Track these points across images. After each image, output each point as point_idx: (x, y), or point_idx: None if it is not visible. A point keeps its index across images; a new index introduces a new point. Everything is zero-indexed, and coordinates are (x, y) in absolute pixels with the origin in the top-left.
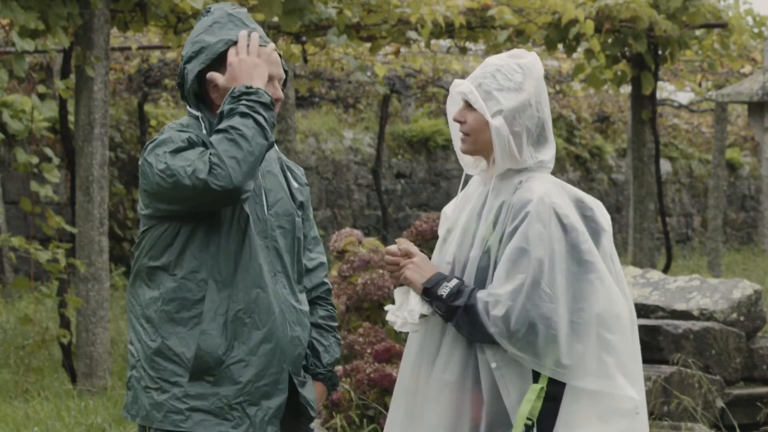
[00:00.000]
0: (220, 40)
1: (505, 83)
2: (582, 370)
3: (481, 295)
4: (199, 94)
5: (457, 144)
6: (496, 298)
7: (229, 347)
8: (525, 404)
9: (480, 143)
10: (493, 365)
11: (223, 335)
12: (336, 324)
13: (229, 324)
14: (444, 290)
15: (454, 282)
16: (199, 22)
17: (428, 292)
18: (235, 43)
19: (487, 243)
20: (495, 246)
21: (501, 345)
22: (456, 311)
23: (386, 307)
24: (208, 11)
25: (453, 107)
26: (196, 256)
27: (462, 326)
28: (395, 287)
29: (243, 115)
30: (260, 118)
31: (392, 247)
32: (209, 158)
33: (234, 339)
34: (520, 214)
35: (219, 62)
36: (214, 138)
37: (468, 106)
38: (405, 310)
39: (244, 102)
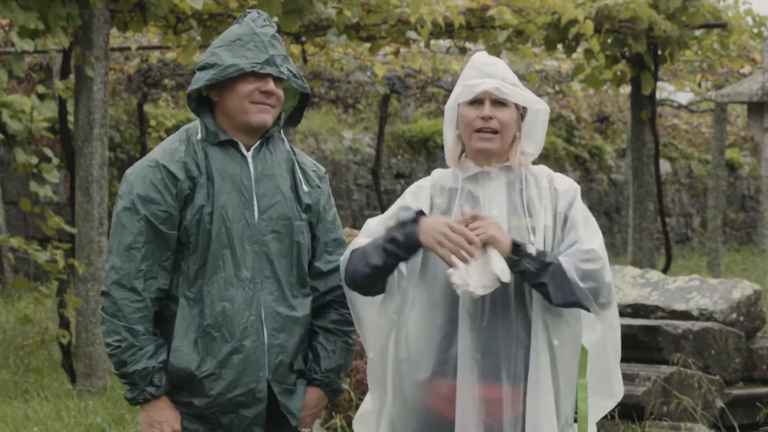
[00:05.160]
0: (232, 65)
1: (513, 76)
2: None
3: (568, 254)
4: (201, 98)
5: (452, 148)
6: (591, 254)
7: (202, 362)
8: (581, 403)
9: (507, 139)
10: (556, 342)
11: (195, 351)
12: (350, 329)
13: (199, 340)
14: (531, 248)
15: (532, 242)
16: (229, 29)
17: (518, 250)
18: (246, 72)
19: (536, 229)
20: (549, 225)
21: (584, 301)
22: (548, 267)
23: (449, 271)
24: (246, 15)
25: (472, 112)
26: (163, 276)
27: (552, 284)
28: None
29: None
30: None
31: (452, 220)
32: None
33: (206, 354)
34: (567, 195)
35: (230, 85)
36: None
37: (495, 103)
38: (486, 273)
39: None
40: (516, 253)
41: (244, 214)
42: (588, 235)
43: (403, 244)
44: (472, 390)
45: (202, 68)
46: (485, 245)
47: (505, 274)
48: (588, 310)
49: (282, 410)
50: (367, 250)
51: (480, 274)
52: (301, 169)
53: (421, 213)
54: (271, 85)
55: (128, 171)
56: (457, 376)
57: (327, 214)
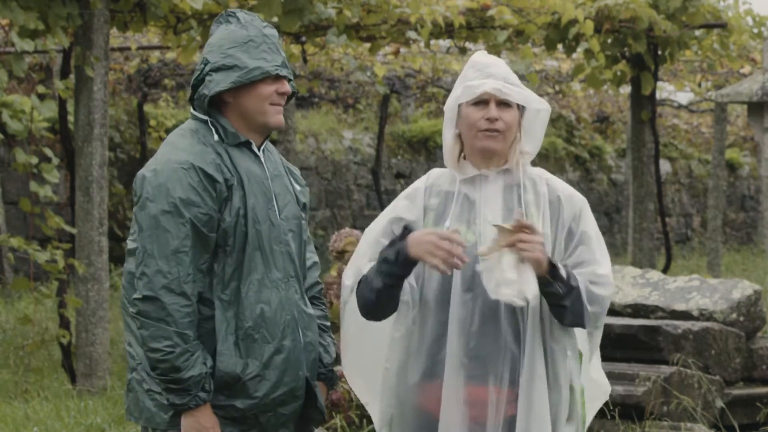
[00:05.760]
0: (257, 68)
1: (514, 76)
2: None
3: (579, 274)
4: (211, 98)
5: (451, 149)
6: (603, 279)
7: (246, 364)
8: (581, 408)
9: (509, 140)
10: (554, 347)
11: (237, 354)
12: (329, 324)
13: (240, 342)
14: (563, 271)
15: (561, 264)
16: (228, 30)
17: (555, 273)
18: (270, 76)
19: None
20: (548, 234)
21: (587, 324)
22: (572, 291)
23: (496, 285)
24: (232, 15)
25: (477, 113)
26: (200, 279)
27: (571, 308)
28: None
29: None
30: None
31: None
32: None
33: (248, 356)
34: (572, 205)
35: (250, 86)
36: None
37: (500, 104)
38: (522, 285)
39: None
40: (552, 275)
41: (269, 215)
42: (603, 258)
43: (396, 261)
44: (458, 391)
45: (218, 70)
46: (523, 260)
47: (536, 296)
48: (585, 328)
49: (318, 406)
50: (369, 276)
51: (512, 286)
52: (288, 168)
53: (407, 229)
54: (287, 87)
55: (147, 173)
56: (444, 377)
57: (307, 213)
